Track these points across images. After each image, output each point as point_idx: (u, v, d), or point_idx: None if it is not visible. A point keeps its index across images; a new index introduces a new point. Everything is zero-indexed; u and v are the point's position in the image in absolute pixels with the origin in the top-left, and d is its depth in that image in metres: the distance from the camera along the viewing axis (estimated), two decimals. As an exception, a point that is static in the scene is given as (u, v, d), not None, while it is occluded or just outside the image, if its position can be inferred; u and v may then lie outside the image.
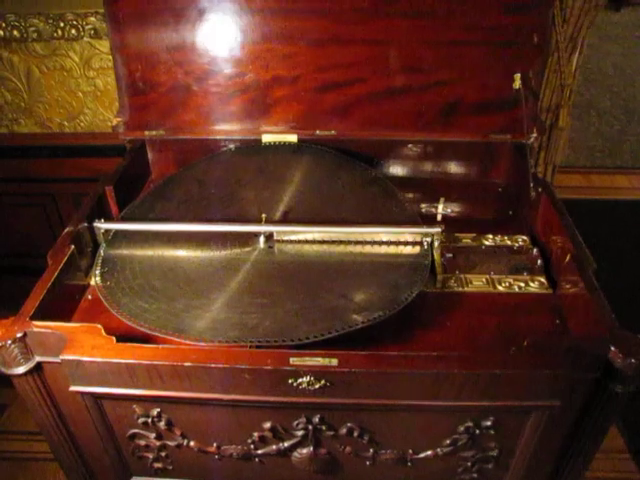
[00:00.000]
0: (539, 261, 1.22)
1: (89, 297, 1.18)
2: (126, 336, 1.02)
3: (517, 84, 1.35)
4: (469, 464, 1.09)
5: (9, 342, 0.97)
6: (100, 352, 0.94)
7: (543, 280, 1.19)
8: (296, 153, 1.44)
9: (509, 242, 1.29)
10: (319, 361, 0.93)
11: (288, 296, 1.09)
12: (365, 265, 1.18)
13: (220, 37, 1.36)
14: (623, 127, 2.59)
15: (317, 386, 0.94)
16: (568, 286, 1.12)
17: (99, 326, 0.99)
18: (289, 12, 1.33)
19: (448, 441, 1.04)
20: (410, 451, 1.07)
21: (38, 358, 1.01)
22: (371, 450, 1.07)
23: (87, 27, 1.66)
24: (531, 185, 1.28)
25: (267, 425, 1.03)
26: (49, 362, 1.01)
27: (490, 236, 1.30)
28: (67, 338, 0.97)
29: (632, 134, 2.57)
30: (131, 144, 1.47)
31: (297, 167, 1.40)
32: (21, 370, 1.00)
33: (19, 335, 0.98)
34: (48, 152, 1.88)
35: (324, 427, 1.03)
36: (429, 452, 1.07)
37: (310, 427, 1.02)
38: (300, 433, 1.04)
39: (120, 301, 1.09)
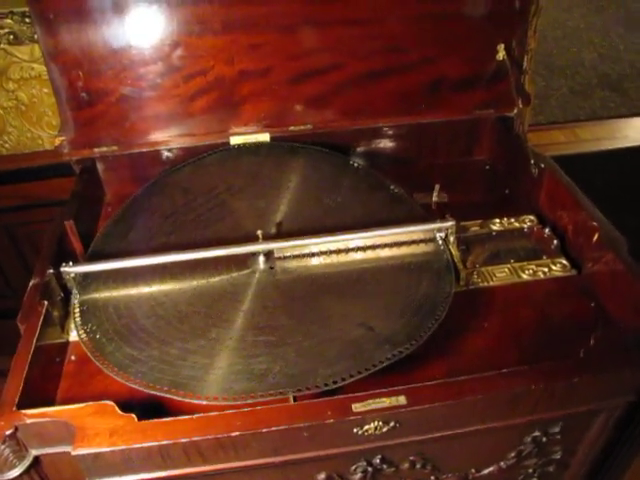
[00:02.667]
0: (555, 241, 1.11)
1: (72, 358, 0.95)
2: (136, 400, 0.83)
3: (501, 55, 1.22)
4: (531, 470, 0.98)
5: (-2, 444, 0.74)
6: (122, 438, 0.73)
7: (565, 262, 1.09)
8: (292, 154, 1.24)
9: (517, 224, 1.18)
10: (385, 402, 0.77)
11: (298, 329, 0.91)
12: (379, 275, 1.02)
13: (174, 31, 1.13)
14: (547, 83, 2.56)
15: (385, 429, 0.78)
16: (598, 266, 1.02)
17: (111, 403, 0.77)
18: (252, -4, 1.12)
19: (513, 454, 0.93)
20: (473, 470, 0.95)
21: (35, 452, 0.79)
22: (432, 478, 0.93)
23: (2, 32, 1.35)
24: (532, 162, 1.17)
25: (322, 476, 0.86)
26: (50, 453, 0.79)
27: (497, 220, 1.18)
28: (74, 425, 0.75)
29: (556, 88, 2.54)
30: (79, 165, 1.21)
31: (294, 171, 1.20)
32: (16, 473, 0.77)
33: (8, 433, 0.75)
34: (-32, 182, 1.56)
35: (385, 466, 0.87)
36: (492, 468, 0.95)
37: (370, 469, 0.87)
38: (358, 477, 0.88)
39: (108, 352, 0.88)
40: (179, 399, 0.81)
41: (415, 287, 0.98)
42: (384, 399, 0.77)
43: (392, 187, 1.18)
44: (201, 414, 0.76)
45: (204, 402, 0.80)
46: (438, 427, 0.81)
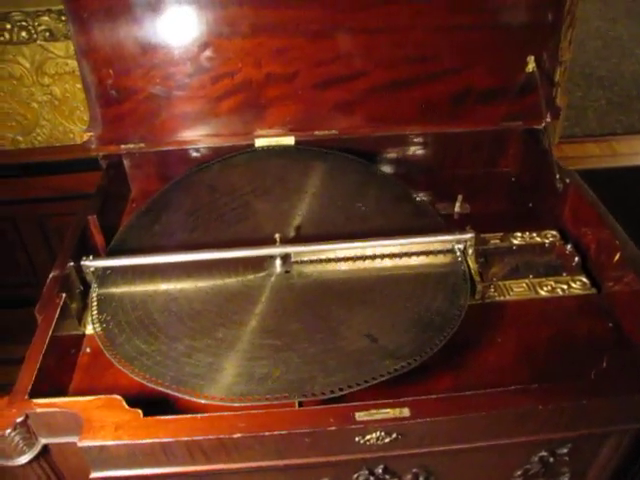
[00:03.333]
0: (576, 258, 1.09)
1: (87, 350, 0.97)
2: (144, 395, 0.84)
3: (531, 67, 1.20)
4: (537, 491, 0.96)
5: (8, 431, 0.76)
6: (127, 432, 0.75)
7: (585, 280, 1.07)
8: (318, 159, 1.25)
9: (538, 239, 1.16)
10: (388, 413, 0.77)
11: (305, 336, 0.91)
12: (394, 284, 1.01)
13: (204, 32, 1.14)
14: (584, 93, 2.51)
15: (387, 440, 0.78)
16: (618, 286, 1.00)
17: (118, 397, 0.79)
18: (281, 1, 1.12)
19: (519, 472, 0.91)
20: (477, 487, 0.94)
21: (44, 440, 0.81)
22: (435, 492, 0.93)
23: (40, 28, 1.39)
24: (557, 176, 1.15)
25: (323, 483, 0.87)
26: (58, 443, 0.81)
27: (519, 234, 1.16)
28: (82, 417, 0.76)
29: (593, 99, 2.49)
30: (106, 160, 1.24)
31: (321, 177, 1.21)
32: (25, 459, 0.79)
33: (19, 420, 0.77)
34: (3, 171, 1.60)
35: (387, 476, 0.87)
36: (497, 485, 0.93)
37: (372, 478, 0.87)
38: (360, 486, 0.88)
39: (118, 343, 0.91)
40: (179, 396, 0.82)
41: (428, 300, 0.97)
42: (388, 410, 0.77)
43: (414, 196, 1.18)
44: (206, 414, 0.77)
45: (202, 401, 0.81)
46: (441, 441, 0.81)
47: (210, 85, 1.19)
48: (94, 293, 1.01)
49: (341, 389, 0.81)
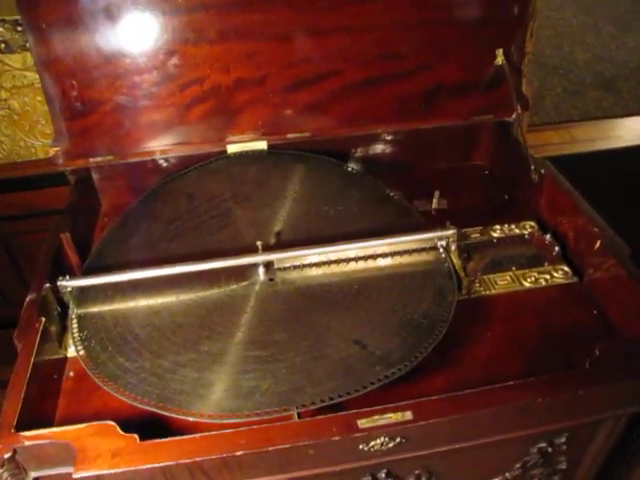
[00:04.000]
0: (556, 248, 1.10)
1: (71, 374, 0.93)
2: (136, 416, 0.82)
3: (500, 60, 1.21)
4: (536, 481, 0.97)
5: (-3, 468, 0.72)
6: (125, 459, 0.72)
7: (566, 269, 1.08)
8: (301, 164, 1.23)
9: (517, 231, 1.17)
10: (391, 418, 0.76)
11: (292, 345, 0.89)
12: (379, 286, 1.00)
13: (169, 39, 1.11)
14: (541, 83, 2.55)
15: (391, 445, 0.77)
16: (600, 273, 1.02)
17: (112, 423, 0.76)
18: (248, 4, 1.10)
19: (518, 465, 0.92)
20: (478, 482, 0.94)
21: (34, 474, 0.77)
22: (437, 491, 0.92)
23: (-6, 40, 1.33)
24: (532, 167, 1.16)
25: (327, 493, 0.85)
26: (50, 476, 0.77)
27: (497, 227, 1.17)
28: (75, 447, 0.73)
29: (550, 88, 2.53)
30: (74, 175, 1.19)
31: (302, 182, 1.19)
32: (15, 495, 0.75)
33: (7, 456, 0.73)
34: (-39, 192, 1.53)
35: (390, 480, 0.86)
36: (498, 479, 0.94)
37: (375, 483, 0.86)
38: (363, 492, 0.87)
39: (100, 362, 0.88)
40: (166, 414, 0.80)
41: (416, 301, 0.96)
42: (390, 415, 0.76)
43: (392, 195, 1.17)
44: (205, 433, 0.74)
45: (190, 419, 0.79)
46: (444, 441, 0.80)
47: (178, 93, 1.16)
48: (73, 314, 0.97)
49: (331, 398, 0.80)
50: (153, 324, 0.94)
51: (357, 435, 0.74)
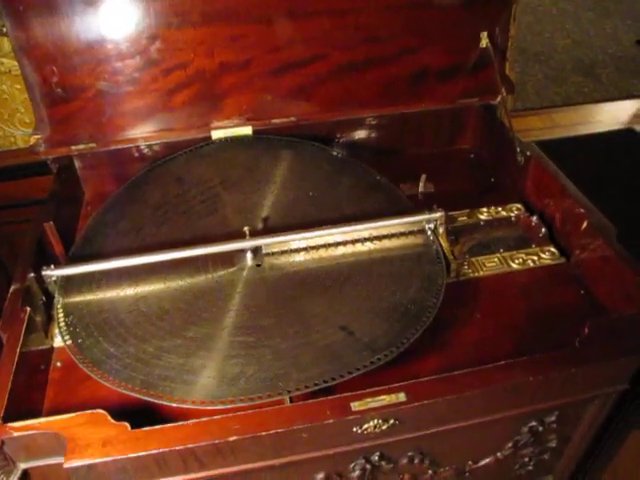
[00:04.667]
0: (543, 229, 1.11)
1: (58, 364, 0.91)
2: (126, 405, 0.81)
3: (484, 42, 1.20)
4: (526, 459, 0.97)
5: (-15, 460, 0.70)
6: (116, 448, 0.71)
7: (554, 250, 1.08)
8: (290, 149, 1.21)
9: (504, 213, 1.17)
10: (385, 400, 0.75)
11: (278, 331, 0.88)
12: (368, 270, 0.99)
13: (152, 23, 1.08)
14: (522, 69, 2.55)
15: (385, 427, 0.76)
16: (586, 253, 1.02)
17: (102, 412, 0.74)
18: (231, -14, 1.08)
19: (510, 444, 0.92)
20: (470, 462, 0.94)
21: (23, 465, 0.76)
22: (430, 472, 0.92)
23: (-30, 25, 1.29)
24: (518, 150, 1.16)
25: (320, 476, 0.85)
26: (39, 466, 0.76)
27: (484, 209, 1.17)
28: (65, 436, 0.72)
29: (531, 74, 2.54)
30: (56, 163, 1.16)
31: (291, 167, 1.17)
32: (4, 487, 0.74)
33: (-4, 447, 0.71)
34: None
35: (384, 463, 0.86)
36: (489, 459, 0.94)
37: (368, 466, 0.85)
38: (357, 474, 0.87)
39: (85, 347, 0.87)
40: (149, 399, 0.79)
41: (404, 285, 0.95)
42: (383, 397, 0.75)
43: (379, 179, 1.16)
44: (197, 419, 0.73)
45: (173, 404, 0.78)
46: (437, 422, 0.80)
47: (162, 78, 1.13)
48: (58, 303, 0.95)
49: (316, 384, 0.79)
50: (139, 309, 0.93)
51: (351, 418, 0.74)
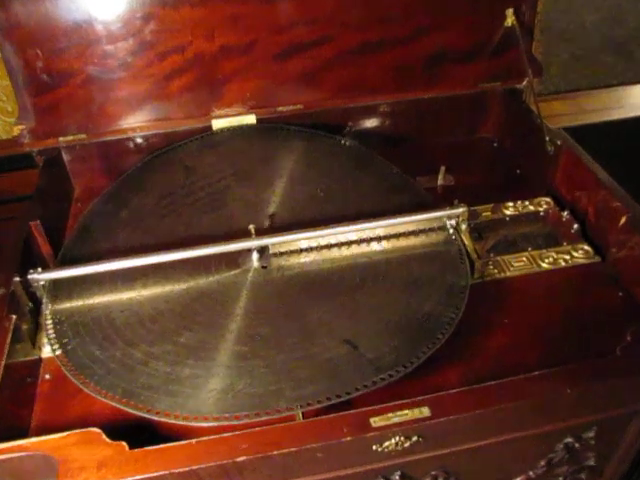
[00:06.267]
0: (575, 225, 1.09)
1: (47, 377, 0.90)
2: (123, 421, 0.80)
3: (510, 21, 1.19)
4: (561, 479, 0.96)
5: (-32, 485, 0.69)
6: (112, 471, 0.69)
7: (587, 248, 1.06)
8: (301, 140, 1.20)
9: (532, 207, 1.15)
10: (407, 415, 0.74)
11: (276, 341, 0.86)
12: (383, 273, 0.98)
13: (146, 1, 1.07)
14: (546, 49, 2.52)
15: (407, 445, 0.75)
16: (625, 252, 1.00)
17: (96, 430, 0.73)
18: (232, -39, 1.07)
19: (543, 462, 0.90)
20: (498, 482, 0.92)
21: (11, 489, 0.74)
22: (455, 493, 0.91)
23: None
24: (547, 138, 1.14)
25: (335, 499, 0.83)
26: (28, 490, 0.75)
27: (510, 204, 1.15)
28: (56, 458, 0.70)
29: (556, 54, 2.51)
30: (42, 156, 1.16)
31: (312, 162, 1.16)
32: (-10, 513, 0.72)
33: (-20, 471, 0.70)
34: None
35: (404, 483, 0.85)
36: (520, 478, 0.92)
37: (388, 487, 0.84)
38: (375, 496, 0.85)
39: (70, 348, 0.87)
40: (129, 410, 0.78)
41: (421, 292, 0.93)
42: (406, 411, 0.74)
43: (395, 171, 1.15)
44: (202, 438, 0.71)
45: (154, 417, 0.77)
46: (464, 439, 0.79)
47: (157, 62, 1.13)
48: (47, 309, 0.94)
49: (309, 404, 0.78)
50: (132, 309, 0.92)
51: (370, 435, 0.72)
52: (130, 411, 0.78)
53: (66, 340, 0.88)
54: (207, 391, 0.80)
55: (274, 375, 0.82)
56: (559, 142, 1.13)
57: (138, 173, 1.16)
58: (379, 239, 1.04)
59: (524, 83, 1.25)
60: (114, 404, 0.79)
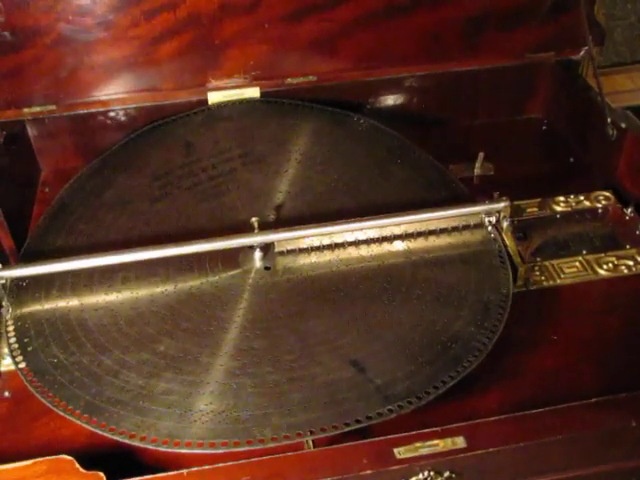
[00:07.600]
0: (640, 226, 1.11)
1: (6, 394, 0.91)
2: (98, 446, 0.81)
3: (565, -23, 1.20)
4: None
5: None
6: (88, 504, 0.70)
7: (656, 252, 1.08)
8: (328, 121, 1.23)
9: (588, 203, 1.16)
10: (438, 445, 0.75)
11: (270, 357, 0.87)
12: (406, 280, 0.98)
13: (132, -51, 1.09)
14: (608, 10, 2.51)
15: (438, 481, 0.76)
16: None
17: (68, 458, 0.74)
18: None
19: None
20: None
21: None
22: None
23: None
24: (608, 120, 1.15)
25: None
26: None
27: (561, 198, 1.17)
28: (21, 489, 0.71)
29: (620, 17, 2.50)
30: (3, 130, 1.17)
31: (335, 147, 1.18)
32: None
33: None
34: None
35: (433, 528, 0.86)
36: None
37: (414, 533, 0.85)
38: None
39: (30, 351, 0.89)
40: (90, 428, 0.79)
41: (450, 307, 0.94)
42: (436, 441, 0.75)
43: (424, 157, 1.17)
44: (195, 468, 0.72)
45: (118, 438, 0.78)
46: (505, 476, 0.80)
47: (144, 22, 1.15)
48: (8, 314, 0.95)
49: (299, 434, 0.78)
50: (107, 307, 0.94)
51: (394, 468, 0.73)
52: (89, 428, 0.79)
53: (27, 340, 0.89)
54: (182, 411, 0.81)
55: (262, 397, 0.82)
56: (623, 125, 1.15)
57: (129, 147, 1.18)
58: (403, 238, 1.05)
59: (581, 53, 1.27)
60: (73, 419, 0.80)
